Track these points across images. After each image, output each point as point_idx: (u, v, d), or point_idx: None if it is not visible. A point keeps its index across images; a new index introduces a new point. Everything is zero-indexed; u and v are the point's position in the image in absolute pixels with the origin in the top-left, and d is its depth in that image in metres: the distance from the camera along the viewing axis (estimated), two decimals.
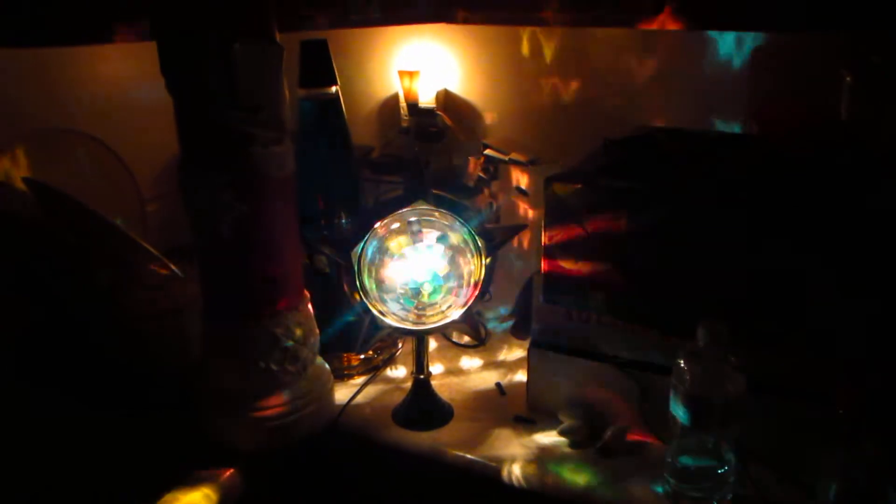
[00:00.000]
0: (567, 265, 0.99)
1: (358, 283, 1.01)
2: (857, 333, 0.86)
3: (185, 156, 0.93)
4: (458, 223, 1.01)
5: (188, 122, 0.91)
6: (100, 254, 1.06)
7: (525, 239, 1.31)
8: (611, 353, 1.02)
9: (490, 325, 1.32)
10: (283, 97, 0.94)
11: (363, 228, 1.01)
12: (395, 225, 1.01)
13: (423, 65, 1.45)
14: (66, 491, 0.95)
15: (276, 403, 1.01)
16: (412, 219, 1.01)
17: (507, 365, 1.23)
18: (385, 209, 1.01)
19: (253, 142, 0.91)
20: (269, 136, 0.92)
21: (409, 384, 1.12)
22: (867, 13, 0.94)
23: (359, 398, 1.15)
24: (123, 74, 1.33)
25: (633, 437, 1.02)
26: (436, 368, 1.21)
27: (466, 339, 1.30)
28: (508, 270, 1.34)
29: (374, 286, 1.01)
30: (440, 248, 1.01)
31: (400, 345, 1.27)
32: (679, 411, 0.88)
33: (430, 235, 1.01)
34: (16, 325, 1.04)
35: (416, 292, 1.02)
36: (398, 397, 1.13)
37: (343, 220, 1.13)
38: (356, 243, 1.00)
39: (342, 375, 1.19)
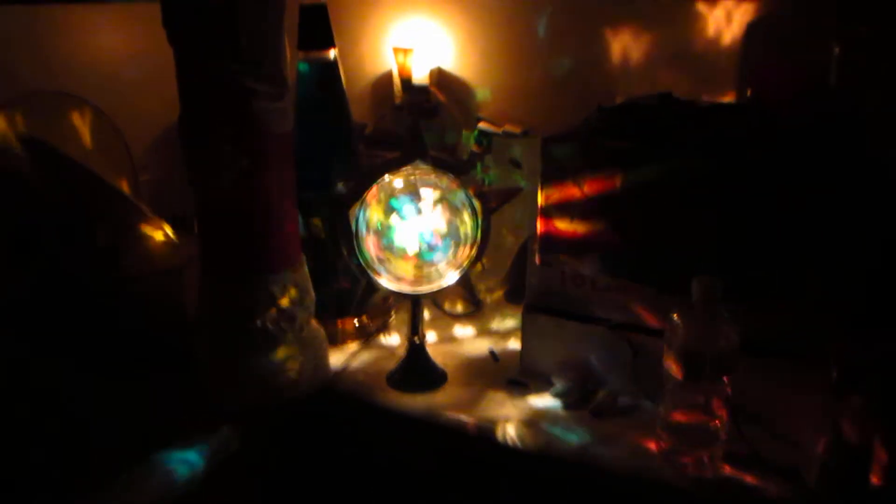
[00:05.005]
0: (563, 225, 1.00)
1: (354, 244, 1.02)
2: (849, 290, 0.87)
3: (186, 109, 0.93)
4: (454, 184, 1.02)
5: (190, 74, 0.91)
6: (97, 213, 1.05)
7: (519, 210, 1.32)
8: (604, 315, 1.04)
9: (484, 297, 1.33)
10: (284, 53, 0.94)
11: (360, 188, 1.02)
12: (394, 183, 1.01)
13: (417, 42, 1.46)
14: (60, 448, 0.94)
15: (270, 362, 1.01)
16: (409, 179, 1.02)
17: (501, 334, 1.24)
18: (382, 170, 1.02)
19: (254, 96, 0.91)
20: (270, 91, 0.93)
21: (402, 351, 1.13)
22: None
23: (353, 363, 1.15)
24: (120, 43, 1.33)
25: (625, 398, 1.04)
26: (429, 337, 1.21)
27: (459, 309, 1.31)
28: (502, 244, 1.35)
29: (370, 247, 1.02)
30: (437, 208, 1.02)
31: (393, 314, 1.28)
32: (672, 366, 0.89)
33: (427, 195, 1.02)
34: (13, 285, 1.03)
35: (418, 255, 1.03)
36: (392, 363, 1.13)
37: (340, 185, 1.14)
38: (353, 203, 1.01)
39: (336, 341, 1.19)
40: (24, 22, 1.20)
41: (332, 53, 1.13)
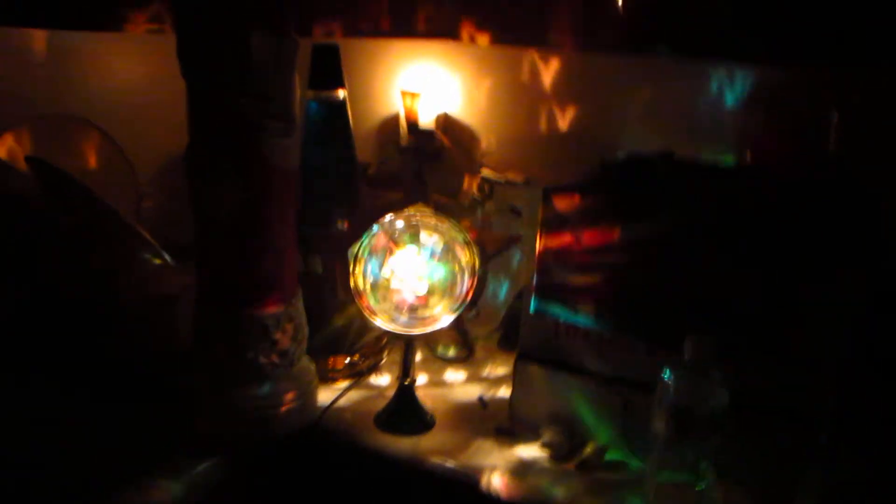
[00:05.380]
0: (559, 275, 1.01)
1: (352, 282, 1.02)
2: (841, 353, 0.88)
3: (194, 141, 0.95)
4: (454, 228, 1.03)
5: (200, 107, 0.93)
6: (96, 236, 1.06)
7: (517, 258, 1.33)
8: (596, 368, 1.03)
9: (477, 343, 1.33)
10: (294, 91, 0.96)
11: (361, 228, 1.02)
12: (394, 225, 1.02)
13: (425, 87, 1.49)
14: (45, 475, 0.93)
15: (260, 395, 1.01)
16: (410, 221, 1.03)
17: (491, 380, 1.24)
18: (384, 211, 1.03)
19: (262, 131, 0.93)
20: (277, 128, 0.94)
21: (392, 392, 1.13)
22: (844, 52, 1.00)
23: (342, 402, 1.15)
24: (133, 69, 1.35)
25: (613, 453, 1.03)
26: (420, 379, 1.21)
27: (452, 353, 1.31)
28: (497, 291, 1.35)
29: (367, 287, 1.03)
30: (435, 251, 1.03)
31: (385, 354, 1.27)
32: (661, 424, 0.89)
33: (427, 238, 1.03)
34: (7, 303, 1.03)
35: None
36: (381, 404, 1.13)
37: (341, 222, 1.15)
38: (353, 242, 1.02)
39: (326, 378, 1.19)
40: (40, 46, 1.22)
41: (342, 94, 1.15)
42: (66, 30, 1.19)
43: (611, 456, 1.03)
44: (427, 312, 1.04)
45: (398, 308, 1.04)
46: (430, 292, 1.04)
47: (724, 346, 0.86)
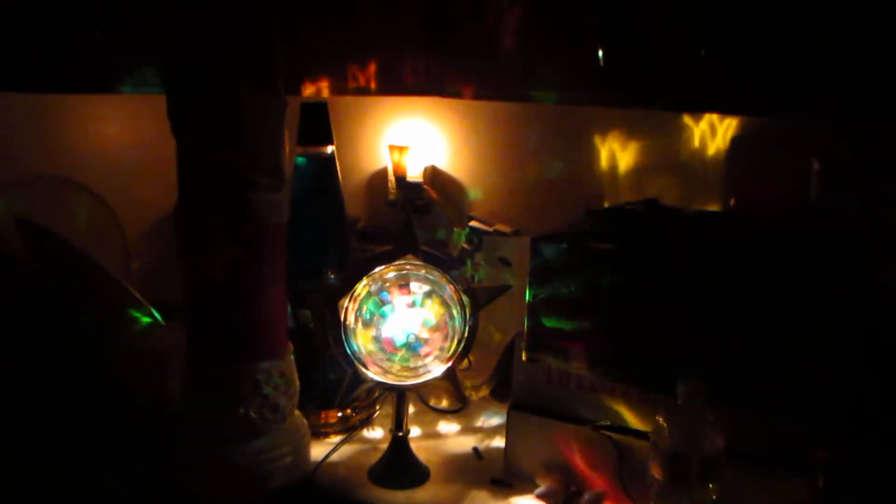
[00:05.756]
0: (550, 324, 1.01)
1: (342, 335, 1.02)
2: (833, 398, 0.88)
3: (184, 197, 0.96)
4: (445, 279, 1.03)
5: (190, 164, 0.94)
6: (86, 296, 1.06)
7: (507, 308, 1.33)
8: (590, 415, 1.03)
9: (470, 394, 1.33)
10: (283, 147, 0.97)
11: (351, 281, 1.03)
12: (385, 276, 1.03)
13: (413, 140, 1.51)
14: None
15: (251, 452, 1.00)
16: (401, 272, 1.03)
17: (485, 431, 1.23)
18: (374, 263, 1.04)
19: (252, 187, 0.94)
20: (267, 183, 0.95)
21: (385, 445, 1.12)
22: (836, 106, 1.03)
23: (334, 456, 1.13)
24: (122, 129, 1.37)
25: (609, 502, 1.02)
26: (413, 432, 1.20)
27: (445, 404, 1.30)
28: (489, 341, 1.35)
29: (358, 338, 1.03)
30: (427, 302, 1.03)
31: (378, 407, 1.27)
32: (657, 469, 0.89)
33: (418, 289, 1.03)
34: None
35: (406, 346, 1.03)
36: (374, 457, 1.12)
37: (331, 276, 1.15)
38: (344, 295, 1.02)
39: (318, 433, 1.18)
40: (29, 109, 1.23)
41: (330, 149, 1.17)
42: (60, 94, 1.21)
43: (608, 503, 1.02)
44: (419, 363, 1.04)
45: (390, 359, 1.04)
46: (422, 343, 1.04)
47: (717, 390, 0.87)
